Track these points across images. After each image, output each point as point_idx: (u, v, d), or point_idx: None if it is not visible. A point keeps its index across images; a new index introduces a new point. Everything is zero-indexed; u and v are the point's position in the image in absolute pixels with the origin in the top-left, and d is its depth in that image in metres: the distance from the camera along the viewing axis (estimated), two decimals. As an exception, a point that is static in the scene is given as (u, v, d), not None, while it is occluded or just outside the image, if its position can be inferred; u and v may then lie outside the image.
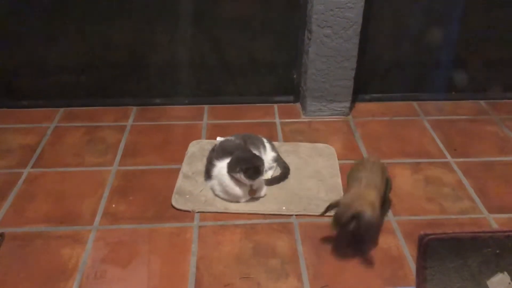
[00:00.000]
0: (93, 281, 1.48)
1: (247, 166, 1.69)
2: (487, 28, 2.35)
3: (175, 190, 1.84)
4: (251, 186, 1.74)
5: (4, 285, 1.46)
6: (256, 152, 1.85)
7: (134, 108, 2.38)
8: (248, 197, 1.78)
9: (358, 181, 1.60)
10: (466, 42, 2.37)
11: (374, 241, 1.63)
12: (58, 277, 1.49)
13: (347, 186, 1.67)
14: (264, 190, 1.82)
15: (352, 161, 2.01)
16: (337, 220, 1.51)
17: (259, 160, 1.74)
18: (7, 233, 1.64)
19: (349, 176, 1.68)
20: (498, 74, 2.48)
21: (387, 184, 1.70)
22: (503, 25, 2.35)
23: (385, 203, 1.71)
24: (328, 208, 1.57)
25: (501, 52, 2.42)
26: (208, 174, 1.85)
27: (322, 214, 1.60)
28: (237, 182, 1.73)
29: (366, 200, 1.52)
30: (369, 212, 1.48)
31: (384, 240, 1.64)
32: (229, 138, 1.95)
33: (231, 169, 1.73)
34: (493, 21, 2.34)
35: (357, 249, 1.60)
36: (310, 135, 2.21)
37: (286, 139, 2.18)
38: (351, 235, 1.57)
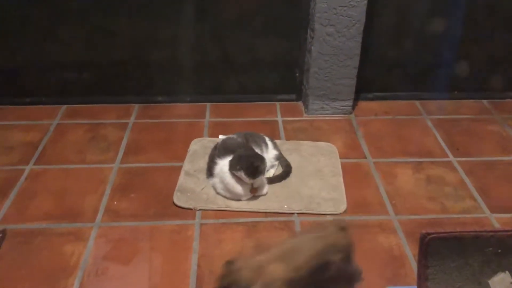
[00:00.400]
0: (95, 278, 1.48)
1: (247, 165, 1.69)
2: (491, 26, 2.34)
3: (177, 187, 1.84)
4: (252, 184, 1.74)
5: (6, 282, 1.47)
6: (258, 150, 1.85)
7: (136, 106, 2.38)
8: (249, 195, 1.78)
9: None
10: (470, 41, 2.37)
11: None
12: (59, 274, 1.49)
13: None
14: (266, 188, 1.82)
15: (354, 160, 2.02)
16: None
17: (260, 159, 1.74)
18: (8, 230, 1.64)
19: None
20: (501, 73, 2.48)
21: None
22: (507, 23, 2.34)
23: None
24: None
25: (505, 51, 2.41)
26: (210, 172, 1.85)
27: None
28: (239, 180, 1.73)
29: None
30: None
31: (385, 239, 1.64)
32: (231, 136, 1.95)
33: (232, 167, 1.73)
34: (497, 20, 2.33)
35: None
36: (312, 133, 2.21)
37: (288, 138, 2.18)
38: None
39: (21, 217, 1.71)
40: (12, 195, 1.81)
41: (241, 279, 1.06)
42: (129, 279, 1.48)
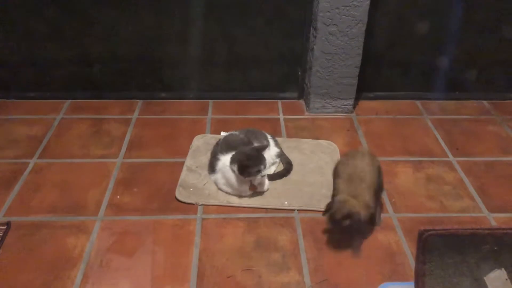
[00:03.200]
0: (98, 269, 1.51)
1: (241, 162, 1.71)
2: (492, 28, 2.36)
3: (179, 183, 1.86)
4: (251, 181, 1.75)
5: (10, 274, 1.49)
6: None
7: (140, 102, 2.40)
8: (249, 192, 1.80)
9: (351, 178, 1.59)
10: (471, 42, 2.38)
11: (365, 236, 1.66)
12: (63, 265, 1.52)
13: (337, 180, 1.63)
14: (267, 184, 1.84)
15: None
16: (332, 217, 1.54)
17: (255, 160, 1.72)
18: (13, 222, 1.67)
19: (339, 170, 1.65)
20: (502, 74, 2.49)
21: (379, 174, 1.66)
22: (509, 25, 2.36)
23: (379, 191, 1.68)
24: (327, 208, 1.58)
25: (506, 52, 2.42)
26: (212, 168, 1.87)
27: (324, 215, 1.60)
28: (238, 176, 1.74)
29: (361, 200, 1.54)
30: (363, 212, 1.52)
31: (384, 237, 1.66)
32: (233, 132, 1.97)
33: (231, 160, 1.75)
34: (499, 21, 2.35)
35: (350, 244, 1.62)
36: (313, 131, 2.23)
37: (289, 135, 2.20)
38: (344, 229, 1.57)
39: (25, 210, 1.73)
40: (17, 188, 1.83)
41: (348, 205, 1.52)
42: (131, 271, 1.51)
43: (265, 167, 1.74)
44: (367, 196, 1.56)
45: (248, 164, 1.70)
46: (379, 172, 1.66)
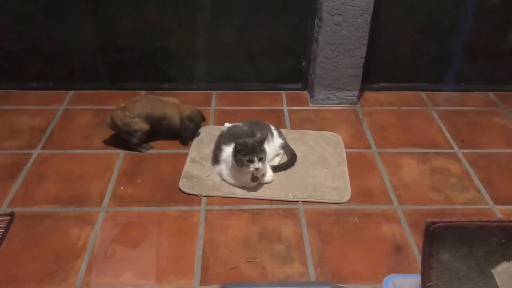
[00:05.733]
0: (102, 260, 1.50)
1: (236, 151, 1.70)
2: (499, 19, 2.33)
3: (182, 174, 1.85)
4: (252, 173, 1.74)
5: (14, 264, 1.49)
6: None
7: (143, 92, 2.39)
8: (251, 183, 1.78)
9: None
10: (477, 33, 2.36)
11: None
12: (67, 256, 1.52)
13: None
14: (271, 176, 1.83)
15: (359, 150, 2.03)
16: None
17: (252, 149, 1.68)
18: (16, 213, 1.66)
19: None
20: (508, 66, 2.47)
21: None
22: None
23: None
24: None
25: (512, 43, 2.40)
26: (216, 159, 1.86)
27: None
28: (241, 167, 1.72)
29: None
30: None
31: (389, 228, 1.65)
32: (237, 124, 1.96)
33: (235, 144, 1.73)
34: (506, 12, 2.32)
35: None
36: (317, 123, 2.22)
37: (293, 127, 2.18)
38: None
39: (29, 201, 1.73)
40: (20, 178, 1.82)
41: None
42: (135, 262, 1.50)
43: (260, 158, 1.70)
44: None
45: (241, 153, 1.69)
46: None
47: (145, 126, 1.96)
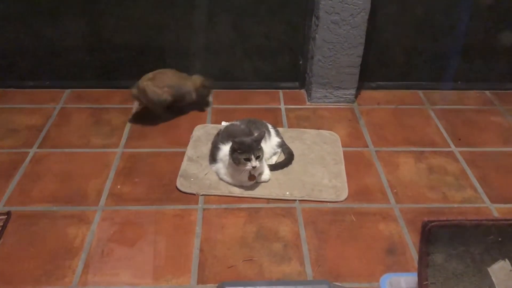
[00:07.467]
0: (99, 259, 1.50)
1: (232, 149, 1.70)
2: (496, 17, 2.33)
3: (180, 173, 1.85)
4: (249, 171, 1.74)
5: (11, 263, 1.49)
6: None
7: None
8: (248, 182, 1.78)
9: None
10: (474, 31, 2.36)
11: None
12: (63, 255, 1.51)
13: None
14: (268, 175, 1.83)
15: (357, 149, 2.03)
16: None
17: (249, 148, 1.68)
18: (13, 212, 1.66)
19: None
20: (505, 64, 2.47)
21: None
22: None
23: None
24: None
25: (509, 42, 2.40)
26: (213, 158, 1.86)
27: None
28: (238, 166, 1.72)
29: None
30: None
31: (386, 227, 1.65)
32: (234, 122, 1.96)
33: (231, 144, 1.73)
34: (502, 11, 2.32)
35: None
36: (315, 121, 2.22)
37: (290, 125, 2.18)
38: None
39: (26, 200, 1.72)
40: (17, 177, 1.82)
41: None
42: (133, 261, 1.50)
43: (257, 157, 1.70)
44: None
45: (238, 151, 1.69)
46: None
47: (170, 97, 2.12)
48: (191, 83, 2.19)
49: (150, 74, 2.12)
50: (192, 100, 2.20)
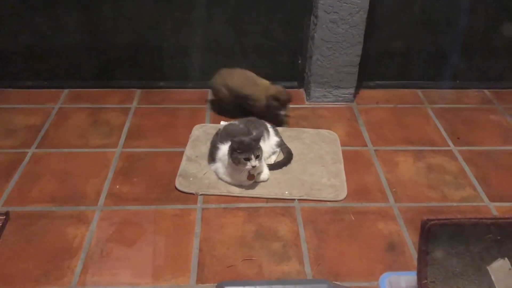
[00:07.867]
0: (98, 259, 1.50)
1: (232, 149, 1.70)
2: (495, 16, 2.34)
3: (178, 172, 1.85)
4: (248, 171, 1.74)
5: (9, 264, 1.48)
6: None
7: (138, 91, 2.38)
8: (247, 182, 1.78)
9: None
10: (473, 30, 2.36)
11: None
12: (63, 255, 1.51)
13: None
14: (267, 174, 1.83)
15: (355, 148, 2.03)
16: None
17: (248, 147, 1.68)
18: (12, 212, 1.66)
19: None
20: (504, 63, 2.47)
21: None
22: (511, 13, 2.33)
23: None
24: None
25: (507, 40, 2.40)
26: (212, 157, 1.86)
27: None
28: (237, 165, 1.72)
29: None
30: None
31: (385, 226, 1.65)
32: (233, 122, 1.96)
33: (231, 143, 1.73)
34: (501, 10, 2.32)
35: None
36: (313, 121, 2.21)
37: (289, 125, 2.18)
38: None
39: (24, 200, 1.72)
40: (15, 177, 1.82)
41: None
42: (132, 261, 1.50)
43: (257, 156, 1.70)
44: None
45: (237, 151, 1.69)
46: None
47: (228, 98, 2.11)
48: (261, 89, 2.07)
49: (223, 70, 2.14)
50: (261, 109, 2.07)
